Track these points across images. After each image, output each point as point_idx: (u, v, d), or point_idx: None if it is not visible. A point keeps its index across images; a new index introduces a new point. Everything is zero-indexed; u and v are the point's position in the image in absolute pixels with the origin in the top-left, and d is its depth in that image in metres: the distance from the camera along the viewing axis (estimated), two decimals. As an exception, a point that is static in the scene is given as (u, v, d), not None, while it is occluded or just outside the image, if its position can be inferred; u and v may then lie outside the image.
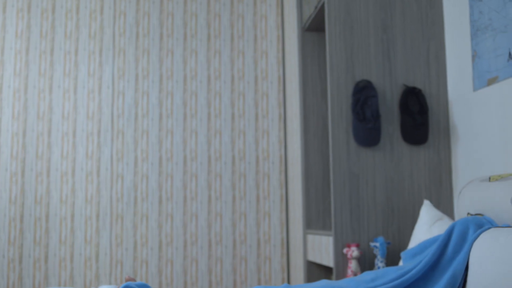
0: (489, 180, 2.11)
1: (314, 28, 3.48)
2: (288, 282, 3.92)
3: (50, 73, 3.97)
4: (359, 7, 2.85)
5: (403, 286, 1.91)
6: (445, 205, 2.78)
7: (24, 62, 3.96)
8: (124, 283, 1.88)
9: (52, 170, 3.89)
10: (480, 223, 1.93)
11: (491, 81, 2.46)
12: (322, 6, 3.09)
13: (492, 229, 1.79)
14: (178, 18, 4.08)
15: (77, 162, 3.90)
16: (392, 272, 1.97)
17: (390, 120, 2.82)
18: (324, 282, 1.99)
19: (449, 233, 1.95)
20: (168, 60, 4.04)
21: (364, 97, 2.77)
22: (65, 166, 3.90)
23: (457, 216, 2.28)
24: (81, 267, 3.81)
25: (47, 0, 4.01)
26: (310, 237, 3.30)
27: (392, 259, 2.68)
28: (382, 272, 1.99)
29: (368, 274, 2.01)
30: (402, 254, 2.29)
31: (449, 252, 1.92)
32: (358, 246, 2.65)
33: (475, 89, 2.59)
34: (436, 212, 2.46)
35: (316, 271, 3.36)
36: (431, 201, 2.78)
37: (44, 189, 3.87)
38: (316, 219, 3.43)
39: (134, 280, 1.98)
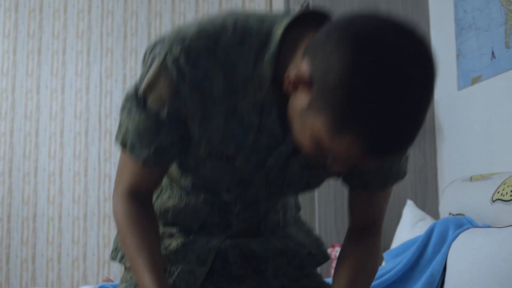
0: (471, 180, 2.10)
1: (301, 27, 3.46)
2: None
3: (37, 73, 3.95)
4: (344, 6, 2.84)
5: (382, 286, 1.90)
6: (431, 205, 2.77)
7: (12, 61, 3.94)
8: (100, 284, 1.87)
9: (40, 170, 3.87)
10: (460, 223, 1.92)
11: (475, 80, 2.45)
12: (308, 6, 3.08)
13: (470, 229, 1.78)
14: (166, 18, 4.06)
15: (64, 162, 3.89)
16: (371, 272, 1.96)
17: (375, 119, 2.80)
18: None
19: (429, 234, 1.93)
20: (156, 59, 4.03)
21: (349, 96, 2.75)
22: (52, 166, 3.88)
23: (442, 216, 2.27)
24: (68, 268, 3.80)
25: (35, 0, 3.99)
26: (297, 237, 3.29)
27: (376, 259, 2.67)
28: (361, 272, 1.97)
29: (347, 275, 1.99)
30: (385, 255, 2.28)
31: (429, 253, 1.91)
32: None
33: (459, 88, 2.58)
34: (418, 212, 2.45)
35: (303, 271, 3.35)
36: (416, 201, 2.77)
37: (31, 189, 3.85)
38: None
39: (111, 281, 1.98)
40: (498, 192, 1.81)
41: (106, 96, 3.98)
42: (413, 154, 2.80)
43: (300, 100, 0.82)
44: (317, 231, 2.74)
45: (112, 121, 3.95)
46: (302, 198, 3.41)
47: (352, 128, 0.76)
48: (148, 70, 0.94)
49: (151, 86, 0.94)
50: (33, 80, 3.94)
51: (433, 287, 1.78)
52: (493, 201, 1.82)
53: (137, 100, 0.97)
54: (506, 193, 1.75)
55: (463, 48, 2.54)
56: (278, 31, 0.90)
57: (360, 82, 0.74)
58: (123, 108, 1.00)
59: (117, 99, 3.97)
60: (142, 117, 0.96)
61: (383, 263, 2.34)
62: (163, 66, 0.91)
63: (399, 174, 1.11)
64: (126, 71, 4.00)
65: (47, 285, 3.79)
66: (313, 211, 3.39)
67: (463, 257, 1.66)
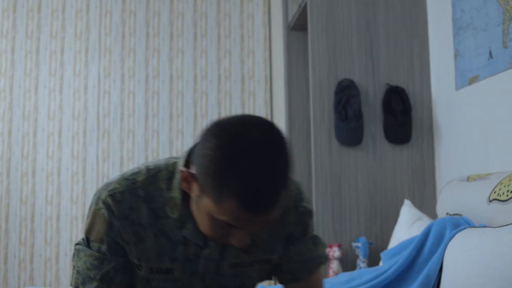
0: (468, 180, 2.09)
1: (299, 27, 3.46)
2: (275, 282, 3.91)
3: (35, 72, 3.95)
4: (342, 6, 2.83)
5: (378, 286, 1.89)
6: (428, 205, 2.76)
7: (10, 61, 3.94)
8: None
9: (38, 170, 3.86)
10: (457, 223, 1.91)
11: (472, 80, 2.44)
12: (306, 5, 3.07)
13: (467, 229, 1.77)
14: (164, 18, 4.06)
15: (62, 162, 3.88)
16: (368, 273, 1.96)
17: (373, 119, 2.80)
18: (299, 283, 1.97)
19: (426, 234, 1.93)
20: (154, 59, 4.02)
21: (346, 96, 2.75)
22: (50, 166, 3.87)
23: (439, 216, 2.27)
24: (66, 267, 3.79)
25: (33, 0, 3.98)
26: (294, 237, 3.28)
27: (374, 260, 2.66)
28: (357, 273, 1.97)
29: (343, 276, 1.99)
30: (382, 255, 2.28)
31: (425, 253, 1.90)
32: (340, 246, 2.63)
33: (457, 88, 2.57)
34: (416, 212, 2.45)
35: (301, 271, 3.34)
36: (414, 201, 2.76)
37: (29, 189, 3.85)
38: None
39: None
40: (495, 192, 1.80)
41: (104, 96, 3.97)
42: (411, 154, 2.80)
43: (194, 193, 1.08)
44: (315, 231, 2.73)
45: (110, 121, 3.94)
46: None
47: (227, 194, 0.99)
48: (88, 215, 1.21)
49: (90, 228, 1.19)
50: (31, 80, 3.94)
51: (429, 287, 1.77)
52: (490, 201, 1.82)
53: (83, 243, 1.21)
54: (503, 193, 1.75)
55: (461, 48, 2.53)
56: (181, 161, 1.17)
57: (225, 160, 0.99)
58: (73, 255, 1.23)
59: (115, 99, 3.97)
60: (87, 254, 1.19)
61: (381, 263, 2.34)
62: (96, 209, 1.18)
63: (320, 258, 1.32)
64: (124, 71, 3.99)
65: (45, 285, 3.78)
66: (311, 211, 3.39)
67: (459, 257, 1.65)
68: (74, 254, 1.22)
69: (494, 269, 1.46)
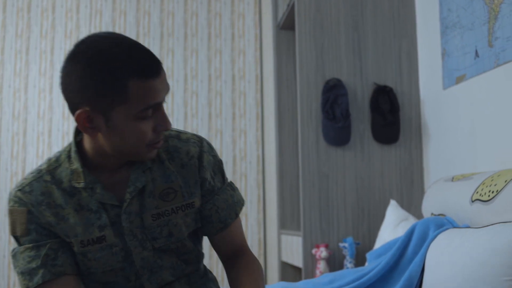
0: (452, 180, 2.08)
1: (288, 26, 3.44)
2: (266, 282, 3.89)
3: (25, 72, 3.93)
4: (330, 5, 2.82)
5: (362, 287, 1.88)
6: (416, 205, 2.75)
7: (-1, 61, 3.92)
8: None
9: (28, 170, 3.84)
10: (441, 224, 1.90)
11: (459, 79, 2.43)
12: (294, 4, 3.06)
13: (449, 230, 1.76)
14: (155, 17, 4.04)
15: (52, 162, 3.87)
16: (351, 273, 1.94)
17: (361, 119, 2.79)
18: (281, 284, 1.96)
19: (409, 234, 1.92)
20: (145, 59, 4.01)
21: (334, 96, 2.73)
22: (40, 166, 3.86)
23: (424, 216, 2.26)
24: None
25: (23, -1, 3.97)
26: (284, 238, 3.27)
27: (361, 260, 2.65)
28: (340, 274, 1.96)
29: (326, 276, 1.98)
30: (368, 255, 2.27)
31: (409, 253, 1.89)
32: (327, 246, 2.62)
33: (444, 87, 2.56)
34: (401, 212, 2.44)
35: (291, 272, 3.33)
36: (402, 201, 2.75)
37: (19, 189, 3.83)
38: (290, 219, 3.39)
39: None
40: (477, 193, 1.79)
41: (94, 96, 3.96)
42: (399, 153, 2.79)
43: (102, 128, 1.15)
44: (301, 231, 2.72)
45: (100, 121, 3.93)
46: (289, 199, 3.39)
47: (125, 81, 1.10)
48: (8, 220, 1.24)
49: (13, 226, 1.22)
50: (21, 80, 3.92)
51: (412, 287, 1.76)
52: (473, 201, 1.80)
53: (16, 244, 1.23)
54: (485, 193, 1.74)
55: (448, 47, 2.52)
56: (72, 137, 1.26)
57: (97, 65, 1.09)
58: (13, 265, 1.23)
59: (106, 98, 3.95)
60: (22, 251, 1.21)
61: (366, 264, 2.33)
62: (10, 207, 1.22)
63: (241, 201, 1.41)
64: (114, 70, 3.98)
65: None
66: (298, 212, 3.37)
67: (440, 258, 1.64)
68: (13, 262, 1.23)
69: (472, 270, 1.45)
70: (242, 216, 3.93)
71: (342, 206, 2.71)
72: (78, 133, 1.26)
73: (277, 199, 3.41)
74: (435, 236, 1.77)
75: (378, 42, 2.83)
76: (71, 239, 1.22)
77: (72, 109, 1.15)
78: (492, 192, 1.70)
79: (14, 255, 1.22)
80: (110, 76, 1.09)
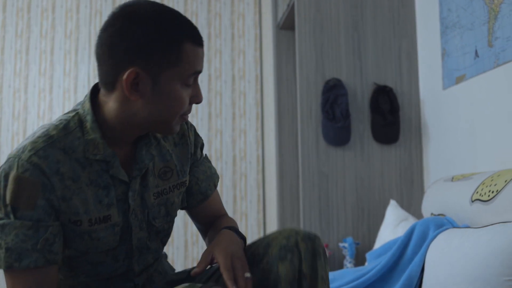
0: (452, 180, 2.08)
1: (288, 26, 3.44)
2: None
3: (25, 72, 3.93)
4: (330, 5, 2.82)
5: (361, 286, 1.88)
6: (416, 205, 2.75)
7: (-1, 61, 3.92)
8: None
9: (27, 170, 3.85)
10: (441, 224, 1.90)
11: (459, 79, 2.43)
12: (294, 4, 3.06)
13: (449, 230, 1.76)
14: (154, 17, 4.04)
15: (52, 162, 3.87)
16: (350, 273, 1.94)
17: (361, 119, 2.78)
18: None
19: (409, 234, 1.92)
20: (145, 59, 4.01)
21: (334, 96, 2.73)
22: (40, 166, 3.86)
23: (424, 217, 2.25)
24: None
25: (23, -1, 3.97)
26: (284, 238, 3.26)
27: (361, 260, 2.65)
28: (340, 273, 1.96)
29: (326, 276, 1.97)
30: (367, 255, 2.27)
31: (409, 253, 1.89)
32: (327, 246, 2.62)
33: (444, 87, 2.56)
34: (401, 212, 2.44)
35: (291, 271, 3.32)
36: (402, 201, 2.75)
37: (19, 189, 3.83)
38: (290, 219, 3.39)
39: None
40: (477, 193, 1.79)
41: (94, 96, 3.96)
42: (399, 153, 2.79)
43: (146, 91, 1.12)
44: (301, 231, 2.72)
45: (100, 121, 3.93)
46: (289, 199, 3.39)
47: (181, 42, 1.11)
48: (4, 185, 1.08)
49: (15, 195, 1.07)
50: (21, 80, 3.92)
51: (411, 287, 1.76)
52: (473, 201, 1.80)
53: (5, 214, 1.08)
54: (485, 193, 1.73)
55: (448, 47, 2.52)
56: (87, 105, 1.17)
57: (154, 24, 1.10)
58: None
59: (105, 98, 3.95)
60: (17, 226, 1.07)
61: (366, 263, 2.33)
62: (20, 173, 1.07)
63: (216, 174, 1.44)
64: (114, 70, 3.98)
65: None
66: (298, 212, 3.37)
67: (440, 258, 1.64)
68: None
69: (471, 270, 1.45)
70: (242, 216, 3.93)
71: (342, 206, 2.71)
72: (92, 99, 1.19)
73: (277, 199, 3.41)
74: (435, 236, 1.77)
75: (378, 42, 2.83)
76: (81, 216, 1.14)
77: (118, 69, 1.10)
78: (492, 192, 1.70)
79: (3, 226, 1.07)
80: (167, 36, 1.10)
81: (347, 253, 2.57)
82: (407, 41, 2.85)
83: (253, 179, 3.97)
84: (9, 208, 1.08)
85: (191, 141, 1.35)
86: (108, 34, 1.10)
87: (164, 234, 1.34)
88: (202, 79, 4.01)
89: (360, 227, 2.72)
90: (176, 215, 1.34)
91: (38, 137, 1.13)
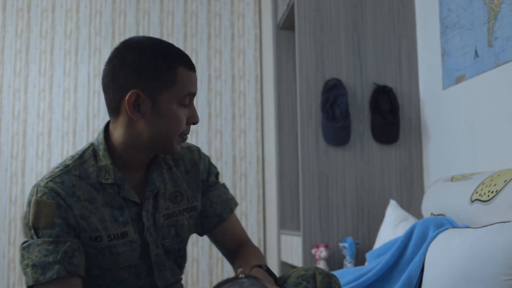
0: (452, 180, 2.08)
1: (288, 26, 3.44)
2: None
3: (25, 72, 3.93)
4: (330, 5, 2.82)
5: (361, 287, 1.88)
6: (416, 205, 2.75)
7: (-1, 61, 3.92)
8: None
9: (27, 170, 3.85)
10: (441, 224, 1.90)
11: (459, 79, 2.43)
12: (294, 4, 3.05)
13: (449, 230, 1.76)
14: (155, 17, 4.04)
15: (52, 162, 3.87)
16: (350, 273, 1.94)
17: (361, 119, 2.79)
18: (281, 283, 1.96)
19: (409, 234, 1.92)
20: (144, 59, 4.00)
21: (333, 96, 2.73)
22: (40, 166, 3.86)
23: (424, 217, 2.25)
24: (56, 268, 3.78)
25: (23, -1, 3.97)
26: (283, 238, 3.27)
27: (361, 260, 2.65)
28: (340, 273, 1.96)
29: (325, 276, 1.97)
30: (367, 255, 2.27)
31: (408, 253, 1.89)
32: (326, 246, 2.62)
33: (444, 87, 2.56)
34: (401, 212, 2.44)
35: (291, 271, 3.33)
36: (402, 201, 2.75)
37: (19, 189, 3.83)
38: (290, 219, 3.39)
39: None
40: (477, 193, 1.79)
41: (94, 96, 3.96)
42: (399, 153, 2.79)
43: (146, 112, 1.27)
44: (301, 231, 2.72)
45: (100, 121, 3.93)
46: (289, 199, 3.39)
47: (175, 67, 1.27)
48: (28, 211, 1.24)
49: (36, 217, 1.22)
50: (20, 80, 3.92)
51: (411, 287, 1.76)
52: (472, 201, 1.80)
53: (30, 236, 1.23)
54: (484, 193, 1.74)
55: (448, 47, 2.52)
56: (100, 136, 1.34)
57: (150, 52, 1.27)
58: (22, 256, 1.23)
59: (105, 98, 3.95)
60: (39, 243, 1.20)
61: (366, 263, 2.33)
62: (39, 197, 1.23)
63: (234, 200, 1.52)
64: (114, 70, 3.98)
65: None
66: (297, 212, 3.37)
67: (440, 258, 1.64)
68: (23, 254, 1.22)
69: (470, 270, 1.45)
70: (242, 216, 3.93)
71: (342, 206, 2.71)
72: (105, 131, 1.35)
73: (277, 199, 3.41)
74: (434, 236, 1.77)
75: (378, 42, 2.83)
76: (101, 232, 1.27)
77: (121, 93, 1.26)
78: (492, 192, 1.70)
79: (28, 247, 1.21)
80: (163, 62, 1.26)
81: (347, 253, 2.57)
82: (407, 41, 2.86)
83: (253, 179, 3.97)
84: (32, 231, 1.22)
85: (202, 170, 1.47)
86: (111, 64, 1.28)
87: (177, 255, 1.43)
88: (202, 79, 4.02)
89: (360, 227, 2.72)
90: (187, 238, 1.44)
91: (56, 167, 1.30)
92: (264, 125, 3.98)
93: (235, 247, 1.48)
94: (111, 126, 1.34)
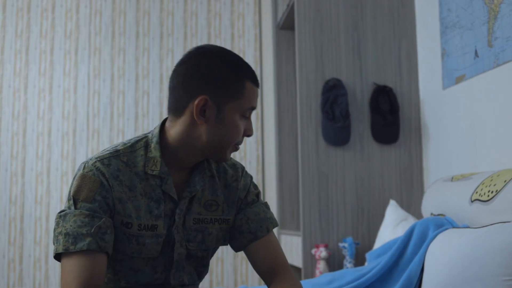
0: (452, 180, 2.08)
1: (288, 26, 3.44)
2: (266, 282, 3.88)
3: (25, 72, 3.93)
4: (330, 5, 2.82)
5: (361, 287, 1.88)
6: (416, 205, 2.75)
7: (-1, 61, 3.92)
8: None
9: (27, 170, 3.85)
10: (441, 224, 1.90)
11: (459, 79, 2.43)
12: (294, 4, 3.05)
13: (449, 230, 1.76)
14: (154, 17, 4.04)
15: (52, 162, 3.87)
16: (350, 273, 1.94)
17: (361, 119, 2.79)
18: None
19: (409, 234, 1.92)
20: (144, 59, 4.01)
21: (333, 96, 2.73)
22: (40, 166, 3.86)
23: (424, 217, 2.25)
24: (56, 268, 3.77)
25: (22, -1, 3.97)
26: (283, 238, 3.27)
27: (361, 260, 2.65)
28: (340, 273, 1.96)
29: (325, 276, 1.98)
30: (367, 255, 2.27)
31: (408, 253, 1.89)
32: (326, 246, 2.62)
33: (444, 87, 2.56)
34: (401, 212, 2.44)
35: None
36: (402, 201, 2.75)
37: (19, 189, 3.83)
38: (290, 219, 3.39)
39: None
40: (477, 193, 1.79)
41: (94, 96, 3.96)
42: (399, 153, 2.79)
43: (210, 119, 1.31)
44: (301, 231, 2.72)
45: (100, 121, 3.93)
46: (288, 199, 3.39)
47: (244, 80, 1.32)
48: (72, 183, 1.31)
49: (78, 189, 1.28)
50: (20, 80, 3.92)
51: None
52: (472, 201, 1.80)
53: (68, 207, 1.28)
54: (484, 193, 1.74)
55: (448, 47, 2.52)
56: (156, 130, 1.38)
57: (220, 61, 1.32)
58: (57, 224, 1.27)
59: (105, 98, 3.95)
60: (76, 214, 1.25)
61: (365, 264, 2.33)
62: (85, 172, 1.29)
63: (273, 219, 1.50)
64: (114, 70, 3.98)
65: (35, 285, 3.77)
66: (297, 212, 3.37)
67: (439, 258, 1.64)
68: (58, 222, 1.26)
69: (470, 270, 1.45)
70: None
71: (341, 206, 2.71)
72: (161, 129, 1.39)
73: (277, 199, 3.41)
74: (434, 236, 1.77)
75: (378, 42, 2.83)
76: (133, 219, 1.31)
77: (189, 96, 1.31)
78: (492, 192, 1.70)
79: (65, 215, 1.26)
80: (234, 74, 1.31)
81: (347, 253, 2.57)
82: (407, 41, 2.86)
83: (253, 179, 3.97)
84: (71, 201, 1.27)
85: (241, 188, 1.48)
86: (184, 67, 1.32)
87: (199, 263, 1.45)
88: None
89: (360, 227, 2.72)
90: (212, 247, 1.45)
91: (106, 150, 1.36)
92: (264, 125, 3.98)
93: (268, 269, 1.43)
94: (168, 123, 1.37)
